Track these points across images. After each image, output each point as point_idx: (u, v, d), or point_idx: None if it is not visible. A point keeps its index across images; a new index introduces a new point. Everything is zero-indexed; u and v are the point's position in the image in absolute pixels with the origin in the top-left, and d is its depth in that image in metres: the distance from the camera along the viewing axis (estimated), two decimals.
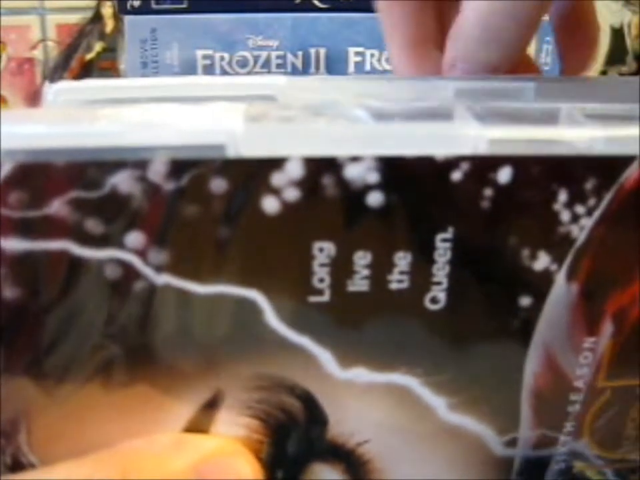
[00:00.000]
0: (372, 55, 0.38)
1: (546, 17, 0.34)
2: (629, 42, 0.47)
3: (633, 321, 0.16)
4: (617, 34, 0.46)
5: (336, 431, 0.16)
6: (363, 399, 0.16)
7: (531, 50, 0.35)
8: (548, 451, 0.18)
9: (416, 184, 0.14)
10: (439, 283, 0.15)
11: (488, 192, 0.14)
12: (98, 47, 0.45)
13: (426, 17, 0.21)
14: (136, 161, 0.13)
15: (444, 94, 0.17)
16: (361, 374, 0.16)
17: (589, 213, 0.15)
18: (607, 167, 0.15)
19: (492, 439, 0.17)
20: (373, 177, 0.14)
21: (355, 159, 0.14)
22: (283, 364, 0.15)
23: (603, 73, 0.47)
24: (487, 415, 0.17)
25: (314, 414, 0.16)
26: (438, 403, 0.16)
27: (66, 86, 0.18)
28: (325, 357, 0.15)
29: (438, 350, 0.16)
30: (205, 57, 0.37)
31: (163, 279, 0.14)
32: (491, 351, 0.16)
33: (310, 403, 0.16)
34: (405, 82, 0.20)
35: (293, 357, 0.15)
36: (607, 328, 0.16)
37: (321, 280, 0.15)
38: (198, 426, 0.16)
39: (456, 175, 0.14)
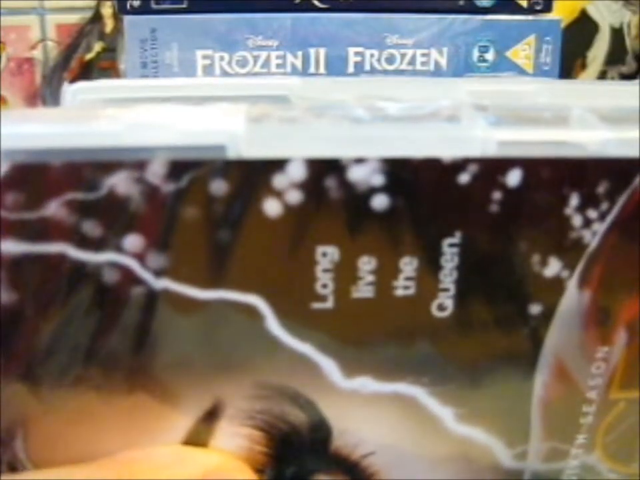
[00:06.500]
0: (372, 55, 0.38)
1: (544, 16, 0.34)
2: (629, 42, 0.46)
3: None
4: (617, 34, 0.46)
5: (340, 442, 0.16)
6: (368, 409, 0.16)
7: (531, 50, 0.35)
8: (559, 464, 0.17)
9: (422, 187, 0.14)
10: (446, 290, 0.15)
11: (497, 195, 0.14)
12: (98, 47, 0.45)
13: None
14: (134, 162, 0.13)
15: (455, 95, 0.17)
16: (366, 383, 0.15)
17: (602, 217, 0.15)
18: (620, 170, 0.14)
19: (501, 451, 0.17)
20: (378, 180, 0.14)
21: (359, 160, 0.13)
22: (285, 372, 0.15)
23: (603, 73, 0.47)
24: (496, 426, 0.16)
25: (317, 424, 0.16)
26: (445, 413, 0.16)
27: (84, 86, 0.18)
28: (328, 365, 0.15)
29: (445, 359, 0.15)
30: (205, 57, 0.37)
31: (162, 283, 0.14)
32: (500, 360, 0.16)
33: (313, 413, 0.16)
34: (417, 82, 0.20)
35: (296, 365, 0.15)
36: (621, 337, 0.16)
37: (325, 286, 0.14)
38: (198, 436, 0.15)
39: (463, 178, 0.14)
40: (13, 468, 0.15)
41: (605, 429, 0.17)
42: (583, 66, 0.47)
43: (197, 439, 0.16)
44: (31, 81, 0.46)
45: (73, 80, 0.45)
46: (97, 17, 0.45)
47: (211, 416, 0.15)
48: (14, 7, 0.45)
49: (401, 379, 0.15)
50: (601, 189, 0.14)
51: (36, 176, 0.13)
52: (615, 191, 0.14)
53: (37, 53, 0.46)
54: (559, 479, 0.17)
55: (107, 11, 0.45)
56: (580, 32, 0.46)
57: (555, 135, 0.14)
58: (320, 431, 0.16)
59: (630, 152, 0.14)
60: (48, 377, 0.14)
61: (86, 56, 0.45)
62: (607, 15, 0.46)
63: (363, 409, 0.16)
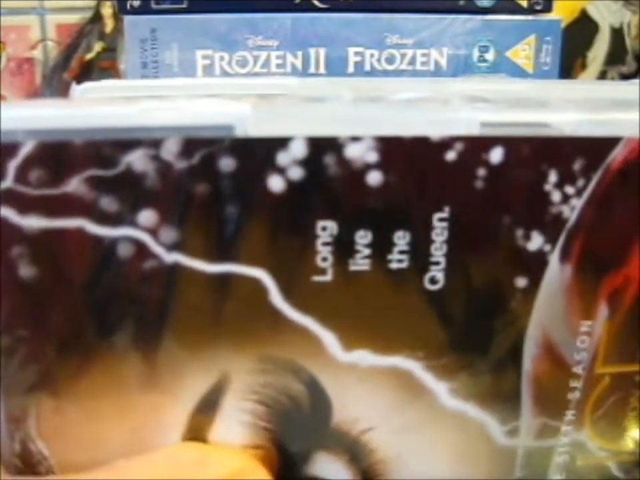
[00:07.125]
0: (371, 55, 0.38)
1: (544, 16, 0.34)
2: (629, 42, 0.47)
3: (627, 303, 0.16)
4: (617, 34, 0.47)
5: (340, 417, 0.16)
6: (367, 383, 0.16)
7: (531, 50, 0.35)
8: (550, 441, 0.18)
9: (412, 163, 0.15)
10: (437, 263, 0.15)
11: (481, 172, 0.15)
12: (98, 47, 0.45)
13: None
14: (150, 140, 0.14)
15: (446, 90, 0.18)
16: (364, 357, 0.16)
17: (579, 193, 0.15)
18: (593, 148, 0.15)
19: (494, 428, 0.17)
20: (372, 157, 0.14)
21: (355, 138, 0.14)
22: (287, 345, 0.16)
23: (603, 73, 0.47)
24: (488, 401, 0.17)
25: (318, 399, 0.16)
26: (439, 388, 0.16)
27: (91, 85, 0.19)
28: (328, 338, 0.16)
29: (438, 332, 0.16)
30: (205, 57, 0.37)
31: (173, 257, 0.15)
32: (490, 333, 0.16)
33: (315, 388, 0.16)
34: (415, 82, 0.20)
35: (298, 338, 0.16)
36: (602, 311, 0.16)
37: (324, 259, 0.15)
38: (204, 411, 0.16)
39: (450, 155, 0.15)
40: (26, 447, 0.16)
41: (592, 406, 0.17)
42: (583, 66, 0.47)
43: (203, 414, 0.16)
44: (31, 81, 0.47)
45: (74, 80, 0.45)
46: (97, 17, 0.45)
47: (217, 389, 0.16)
48: (14, 7, 0.45)
49: (397, 352, 0.16)
50: (577, 166, 0.15)
51: (58, 154, 0.14)
52: (589, 168, 0.15)
53: (37, 53, 0.46)
54: (551, 457, 0.18)
55: (107, 10, 0.45)
56: (580, 32, 0.46)
57: (532, 116, 0.15)
58: (321, 407, 0.16)
59: (602, 132, 0.15)
60: (62, 350, 0.15)
61: (86, 56, 0.45)
62: (607, 15, 0.46)
63: (361, 383, 0.16)
